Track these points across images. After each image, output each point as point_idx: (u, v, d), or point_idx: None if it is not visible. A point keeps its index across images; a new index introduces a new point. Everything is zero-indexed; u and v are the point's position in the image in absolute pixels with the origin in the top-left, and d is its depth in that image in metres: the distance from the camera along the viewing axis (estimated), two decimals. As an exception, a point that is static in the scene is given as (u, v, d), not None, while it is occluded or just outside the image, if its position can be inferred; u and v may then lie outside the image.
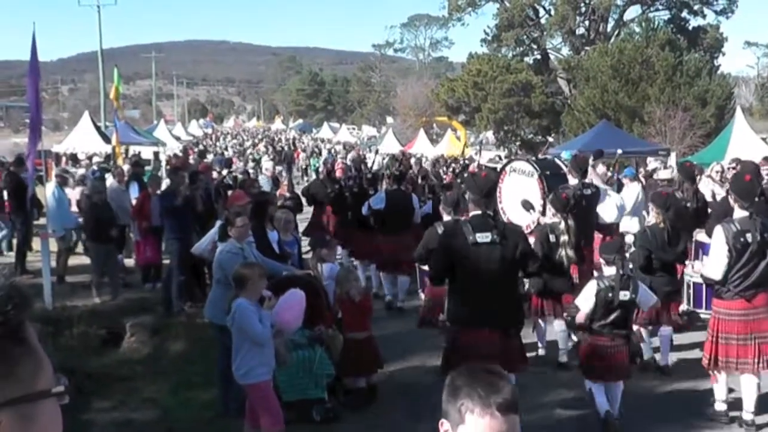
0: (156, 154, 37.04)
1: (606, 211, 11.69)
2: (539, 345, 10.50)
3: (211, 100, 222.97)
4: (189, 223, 12.99)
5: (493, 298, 7.03)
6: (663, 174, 14.61)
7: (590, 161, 11.94)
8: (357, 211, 14.51)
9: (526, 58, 61.93)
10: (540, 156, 19.06)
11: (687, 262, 9.99)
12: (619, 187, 13.86)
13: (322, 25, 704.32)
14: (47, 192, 14.72)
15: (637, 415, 8.27)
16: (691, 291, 9.81)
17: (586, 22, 58.46)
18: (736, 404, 8.17)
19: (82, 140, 38.42)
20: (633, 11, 59.61)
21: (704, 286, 9.27)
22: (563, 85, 57.66)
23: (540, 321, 10.36)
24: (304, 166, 47.85)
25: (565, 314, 9.44)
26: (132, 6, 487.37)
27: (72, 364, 9.49)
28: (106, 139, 35.59)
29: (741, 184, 8.07)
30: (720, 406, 8.17)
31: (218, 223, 9.96)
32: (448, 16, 67.98)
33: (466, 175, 14.90)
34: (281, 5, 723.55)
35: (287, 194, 18.28)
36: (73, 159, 37.67)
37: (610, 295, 7.76)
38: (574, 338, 10.05)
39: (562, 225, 9.66)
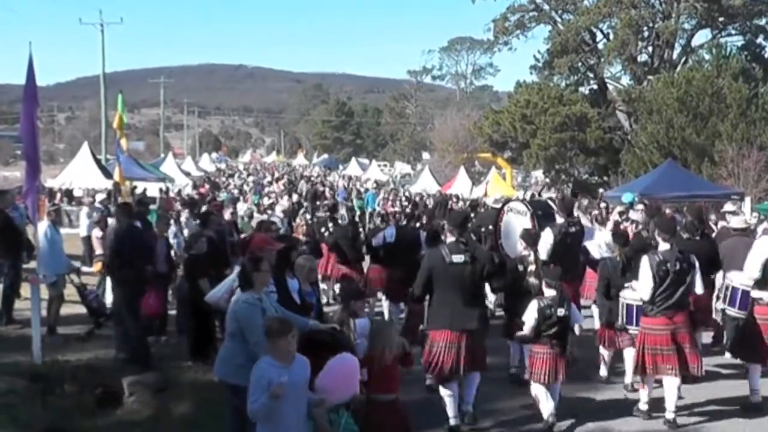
0: (166, 190, 37.26)
1: (594, 248, 14.99)
2: (510, 363, 12.96)
3: (225, 132, 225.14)
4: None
5: (463, 307, 10.16)
6: (735, 222, 14.29)
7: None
8: (368, 244, 17.77)
9: (581, 88, 61.93)
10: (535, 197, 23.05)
11: (626, 285, 12.06)
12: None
13: (351, 49, 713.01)
14: (39, 232, 14.67)
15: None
16: (624, 311, 11.97)
17: (650, 48, 58.18)
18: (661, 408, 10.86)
19: (80, 174, 38.62)
20: (702, 36, 59.63)
21: (635, 306, 11.53)
22: (623, 119, 57.45)
23: (509, 342, 12.75)
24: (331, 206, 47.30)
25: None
26: (139, 26, 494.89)
27: (63, 427, 9.48)
28: (107, 174, 35.77)
29: (663, 221, 11.79)
30: (643, 407, 11.09)
31: (236, 268, 9.98)
32: (493, 40, 67.87)
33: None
34: (305, 27, 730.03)
35: (303, 238, 18.32)
36: (68, 195, 37.91)
37: (549, 311, 10.39)
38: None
39: (531, 257, 12.36)
